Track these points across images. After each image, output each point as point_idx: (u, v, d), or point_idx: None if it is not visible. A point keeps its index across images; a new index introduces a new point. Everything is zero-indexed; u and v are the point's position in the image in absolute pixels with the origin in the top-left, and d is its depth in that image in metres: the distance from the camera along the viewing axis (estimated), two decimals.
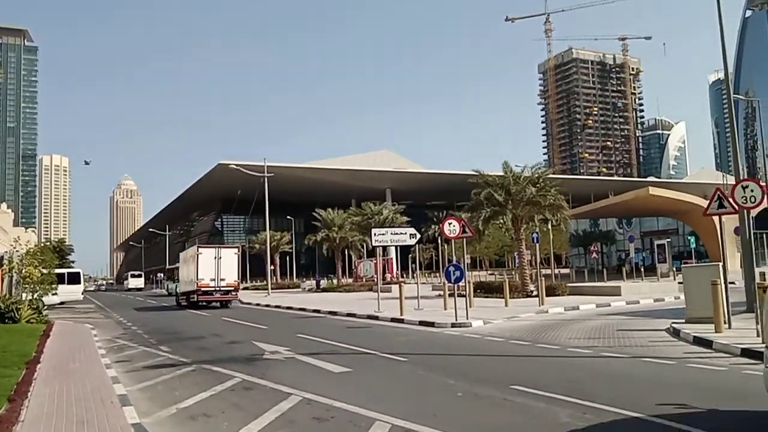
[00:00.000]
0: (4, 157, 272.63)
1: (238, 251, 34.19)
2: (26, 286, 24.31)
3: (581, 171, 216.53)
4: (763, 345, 6.69)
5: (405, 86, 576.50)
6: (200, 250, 33.22)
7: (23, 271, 23.98)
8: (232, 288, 32.74)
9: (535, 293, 25.79)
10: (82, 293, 41.69)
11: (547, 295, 24.19)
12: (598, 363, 10.85)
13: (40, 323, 20.00)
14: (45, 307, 23.95)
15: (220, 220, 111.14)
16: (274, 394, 8.59)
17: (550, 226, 36.69)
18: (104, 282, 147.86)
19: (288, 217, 78.15)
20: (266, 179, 48.18)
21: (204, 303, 31.94)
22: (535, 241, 29.84)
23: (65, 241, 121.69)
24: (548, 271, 43.76)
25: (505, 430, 6.54)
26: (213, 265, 31.89)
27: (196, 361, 12.05)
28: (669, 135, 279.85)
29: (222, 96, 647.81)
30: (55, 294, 29.42)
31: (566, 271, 61.76)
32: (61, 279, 32.57)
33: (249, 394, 8.86)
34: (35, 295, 24.16)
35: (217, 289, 31.85)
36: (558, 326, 16.56)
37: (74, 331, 19.16)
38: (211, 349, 14.34)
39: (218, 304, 32.25)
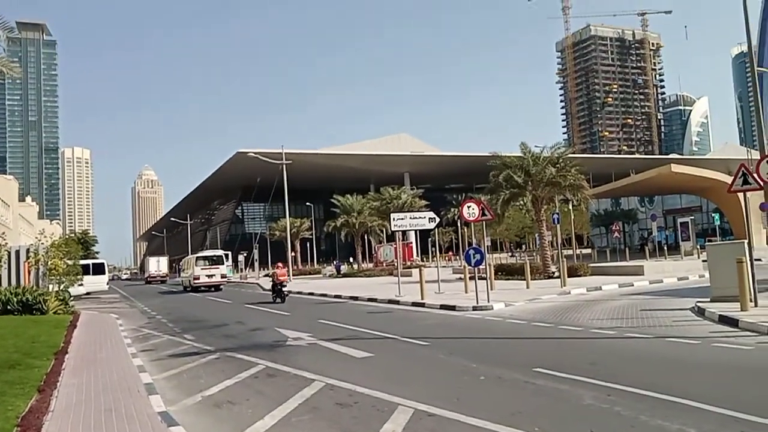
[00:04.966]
0: (27, 151, 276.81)
1: (166, 258, 76.38)
2: (52, 278, 24.73)
3: (602, 150, 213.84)
4: None
5: (419, 66, 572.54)
6: (150, 258, 75.35)
7: (49, 263, 24.35)
8: (166, 275, 70.30)
9: (556, 274, 25.62)
10: (107, 283, 42.40)
11: (569, 276, 24.05)
12: (622, 344, 10.75)
13: (66, 314, 20.31)
14: (71, 298, 24.33)
15: (240, 207, 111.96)
16: (297, 381, 8.65)
17: (570, 207, 36.40)
18: (128, 271, 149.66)
19: (307, 203, 78.36)
20: (284, 166, 48.36)
21: (155, 282, 65.69)
22: (555, 221, 29.52)
23: (89, 233, 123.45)
24: (570, 252, 43.42)
25: (529, 413, 6.47)
26: (156, 265, 70.86)
27: (219, 349, 12.19)
28: (691, 111, 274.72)
29: (237, 88, 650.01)
30: (81, 285, 30.02)
31: (588, 251, 61.30)
32: (86, 270, 33.17)
33: (273, 381, 8.93)
34: (61, 287, 24.58)
35: (159, 276, 69.04)
36: (580, 307, 16.45)
37: (100, 321, 19.47)
38: (235, 336, 14.49)
39: (162, 283, 65.21)
